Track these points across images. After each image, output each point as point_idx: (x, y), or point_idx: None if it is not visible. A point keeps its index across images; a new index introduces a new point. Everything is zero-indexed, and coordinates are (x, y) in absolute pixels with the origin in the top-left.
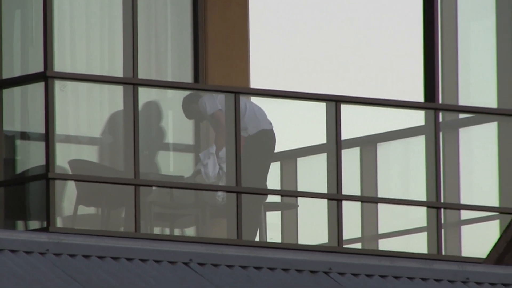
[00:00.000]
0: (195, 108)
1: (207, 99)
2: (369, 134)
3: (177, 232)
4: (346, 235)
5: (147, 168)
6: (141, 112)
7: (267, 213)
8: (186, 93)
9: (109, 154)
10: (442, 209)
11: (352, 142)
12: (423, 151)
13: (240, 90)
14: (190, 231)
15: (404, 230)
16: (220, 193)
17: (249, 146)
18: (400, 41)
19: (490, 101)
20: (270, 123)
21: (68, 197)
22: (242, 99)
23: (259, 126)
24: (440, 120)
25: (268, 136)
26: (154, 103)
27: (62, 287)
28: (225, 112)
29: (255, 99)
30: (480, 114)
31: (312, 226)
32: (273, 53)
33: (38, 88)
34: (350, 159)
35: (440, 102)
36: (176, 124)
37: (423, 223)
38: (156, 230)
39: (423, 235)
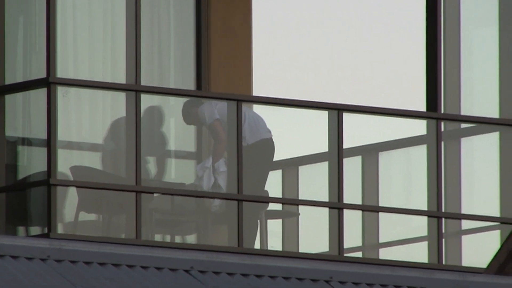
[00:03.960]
0: (194, 112)
1: (206, 108)
2: (371, 143)
3: (178, 239)
4: (347, 244)
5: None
6: (143, 117)
7: (268, 221)
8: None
9: (111, 160)
10: (443, 219)
11: (353, 151)
12: (425, 160)
13: (243, 97)
14: (191, 238)
15: (405, 239)
16: (215, 203)
17: (247, 156)
18: (403, 50)
19: (492, 111)
20: (269, 132)
21: (69, 203)
22: (242, 108)
23: (257, 136)
24: (442, 129)
25: (266, 145)
26: (156, 107)
27: None
28: (227, 119)
29: (257, 107)
30: (482, 124)
31: (313, 235)
32: (275, 61)
33: (40, 94)
34: (352, 167)
35: (442, 111)
36: (178, 131)
37: (424, 232)
38: (157, 237)
39: (424, 244)
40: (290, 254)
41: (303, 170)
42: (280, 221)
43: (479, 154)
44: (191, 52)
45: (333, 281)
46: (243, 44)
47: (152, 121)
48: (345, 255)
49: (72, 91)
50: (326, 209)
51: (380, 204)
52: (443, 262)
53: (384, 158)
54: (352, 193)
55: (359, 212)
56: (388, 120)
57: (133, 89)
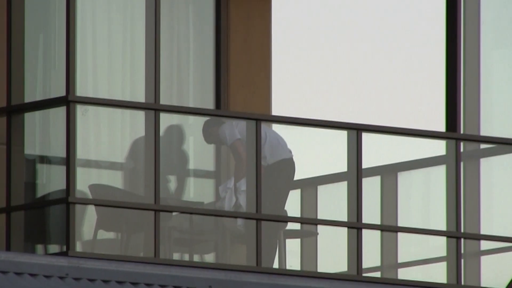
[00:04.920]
0: (215, 132)
1: (227, 128)
2: (390, 163)
3: (196, 258)
4: (365, 264)
5: (167, 193)
6: (164, 136)
7: (287, 240)
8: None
9: (130, 179)
10: (462, 239)
11: (373, 171)
12: (444, 180)
13: (262, 117)
14: (209, 257)
15: (423, 260)
16: (239, 223)
17: (268, 176)
18: (423, 71)
19: None
20: (290, 152)
21: (88, 222)
22: (263, 127)
23: (278, 155)
24: (461, 150)
25: (287, 165)
26: (176, 126)
27: None
28: (246, 139)
29: (276, 127)
30: (501, 144)
31: (332, 254)
32: (295, 81)
33: (59, 112)
34: (371, 187)
35: (462, 132)
36: (197, 149)
37: (443, 252)
38: (176, 256)
39: (443, 265)
40: (308, 274)
41: (322, 190)
42: (298, 240)
43: (498, 175)
44: (210, 71)
45: None
46: (263, 64)
47: (172, 139)
48: (363, 275)
49: (91, 109)
50: (345, 229)
51: (399, 224)
52: (462, 283)
53: (403, 178)
54: (371, 213)
55: (378, 232)
56: (407, 140)
57: (153, 107)
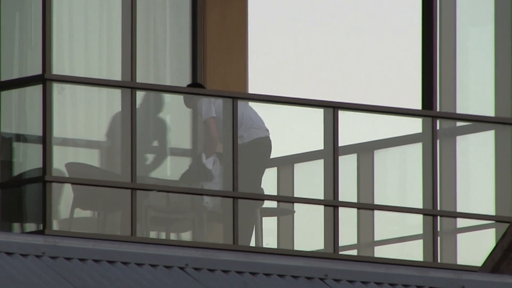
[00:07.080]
0: (194, 101)
1: (204, 104)
2: (366, 141)
3: (173, 236)
4: (342, 242)
5: (143, 171)
6: (142, 104)
7: (263, 218)
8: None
9: (107, 157)
10: (439, 217)
11: (349, 149)
12: (420, 158)
13: (238, 95)
14: (186, 236)
15: (400, 238)
16: (206, 200)
17: (244, 154)
18: (398, 48)
19: (488, 109)
20: (267, 130)
21: (64, 200)
22: (240, 106)
23: (254, 134)
24: (438, 128)
25: (262, 144)
26: (152, 94)
27: None
28: (223, 117)
29: (252, 105)
30: (478, 122)
31: (308, 232)
32: (271, 59)
33: (36, 91)
34: (347, 165)
35: (438, 110)
36: (173, 128)
37: (419, 230)
38: (152, 234)
39: (419, 243)
40: (285, 252)
41: (299, 168)
42: (275, 218)
43: (474, 153)
44: (186, 49)
45: (328, 279)
46: (239, 42)
47: (150, 106)
48: (340, 253)
49: (67, 87)
50: (321, 207)
51: (376, 202)
52: (438, 261)
53: (380, 156)
54: (348, 191)
55: (354, 210)
56: (383, 118)
57: (129, 86)
